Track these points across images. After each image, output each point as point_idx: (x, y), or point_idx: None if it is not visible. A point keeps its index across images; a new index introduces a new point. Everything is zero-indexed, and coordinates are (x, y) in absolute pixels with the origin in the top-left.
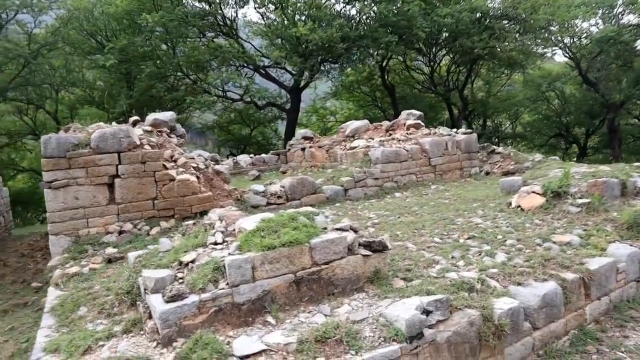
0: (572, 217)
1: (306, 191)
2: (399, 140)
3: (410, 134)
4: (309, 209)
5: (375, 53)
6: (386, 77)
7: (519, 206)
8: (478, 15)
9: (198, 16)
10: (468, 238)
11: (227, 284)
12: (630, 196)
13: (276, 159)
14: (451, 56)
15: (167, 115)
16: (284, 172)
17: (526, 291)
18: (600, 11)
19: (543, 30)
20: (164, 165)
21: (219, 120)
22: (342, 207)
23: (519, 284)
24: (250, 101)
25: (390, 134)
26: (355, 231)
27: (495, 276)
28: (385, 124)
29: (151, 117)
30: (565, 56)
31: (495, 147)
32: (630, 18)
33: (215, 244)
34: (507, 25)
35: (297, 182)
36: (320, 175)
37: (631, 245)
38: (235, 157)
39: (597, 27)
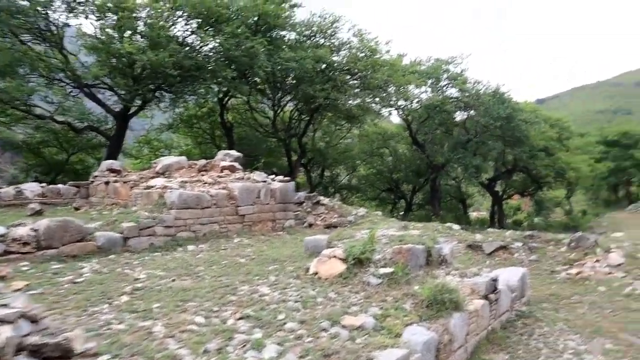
0: (371, 291)
1: (69, 237)
2: (206, 183)
3: (222, 176)
4: None
5: (216, 88)
6: (225, 115)
7: (317, 273)
8: (323, 66)
9: (8, 11)
10: (240, 318)
11: None
12: (435, 265)
13: (75, 192)
14: (295, 103)
15: None
16: (77, 209)
17: None
18: (430, 81)
19: (381, 90)
20: None
21: (27, 140)
22: (113, 260)
23: None
24: (64, 122)
25: (203, 175)
26: (34, 321)
27: None
28: (201, 162)
29: None
30: (399, 117)
31: (321, 197)
32: (452, 91)
33: None
34: (348, 80)
35: (58, 226)
36: (102, 218)
37: (428, 329)
38: (19, 185)
39: (427, 95)
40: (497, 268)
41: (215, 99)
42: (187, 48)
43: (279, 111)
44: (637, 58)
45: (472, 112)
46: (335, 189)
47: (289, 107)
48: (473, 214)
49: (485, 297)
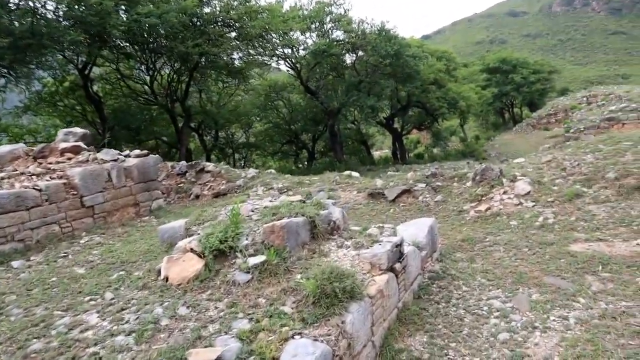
0: (238, 294)
1: None
2: (33, 175)
3: (61, 162)
4: None
5: (76, 58)
6: (90, 87)
7: (167, 278)
8: (194, 19)
9: None
10: None
11: None
12: (324, 237)
13: None
14: (170, 64)
15: None
16: None
17: None
18: (313, 25)
19: (262, 39)
20: None
21: None
22: None
23: None
24: None
25: (41, 163)
26: None
27: None
28: (37, 148)
29: None
30: (287, 66)
31: (205, 163)
32: (338, 34)
33: None
34: (225, 32)
35: None
36: None
37: (317, 340)
38: None
39: (312, 40)
40: (402, 217)
41: (75, 70)
42: (16, 9)
43: (155, 75)
44: None
45: (360, 52)
46: (233, 149)
47: (167, 70)
48: (376, 153)
49: (390, 269)
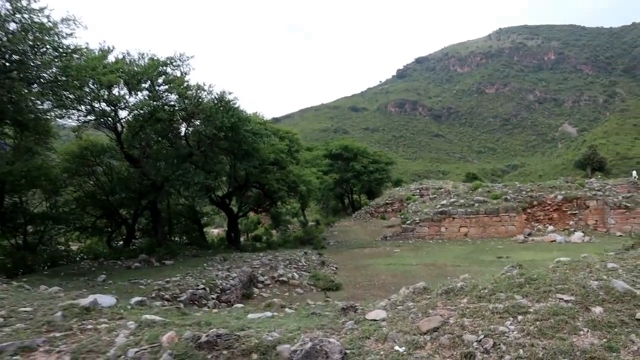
0: None
1: None
2: None
3: None
4: None
5: None
6: None
7: None
8: None
9: None
10: None
11: None
12: None
13: None
14: None
15: None
16: None
17: None
18: (144, 85)
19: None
20: None
21: None
22: None
23: None
24: None
25: None
26: None
27: None
28: None
29: None
30: (106, 126)
31: None
32: (172, 98)
33: None
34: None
35: None
36: None
37: None
38: None
39: (136, 99)
40: None
41: None
42: None
43: None
44: (351, 86)
45: (197, 122)
46: (26, 220)
47: None
48: (215, 232)
49: None
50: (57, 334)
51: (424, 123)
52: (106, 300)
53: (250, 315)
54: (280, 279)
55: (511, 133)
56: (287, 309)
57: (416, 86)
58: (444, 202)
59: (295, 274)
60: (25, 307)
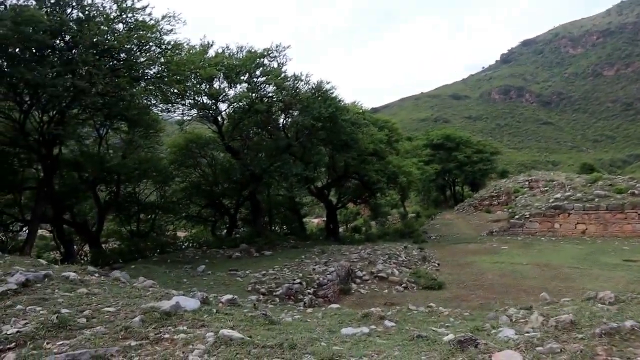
0: None
1: None
2: None
3: None
4: None
5: None
6: None
7: None
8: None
9: None
10: None
11: None
12: None
13: None
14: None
15: None
16: None
17: None
18: (243, 77)
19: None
20: None
21: None
22: None
23: None
24: None
25: None
26: None
27: None
28: None
29: None
30: (208, 120)
31: None
32: (270, 89)
33: None
34: (105, 62)
35: None
36: None
37: None
38: None
39: (235, 92)
40: None
41: None
42: None
43: (30, 109)
44: (450, 74)
45: (295, 112)
46: (139, 209)
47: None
48: (315, 221)
49: None
50: (133, 343)
51: (531, 110)
52: (189, 303)
53: (344, 331)
54: (379, 274)
55: (634, 119)
56: (387, 322)
57: (522, 71)
58: (558, 195)
59: (395, 269)
60: (110, 306)
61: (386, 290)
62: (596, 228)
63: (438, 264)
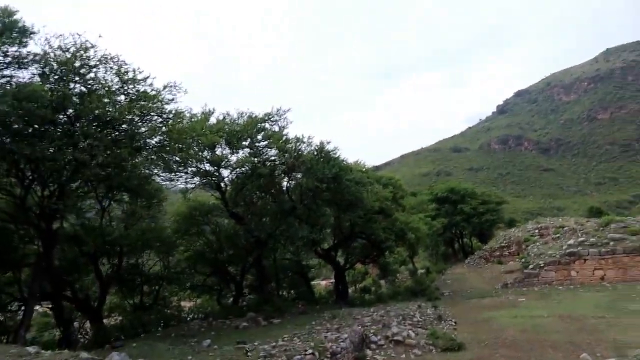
0: None
1: None
2: None
3: None
4: None
5: None
6: None
7: None
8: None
9: None
10: None
11: None
12: None
13: None
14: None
15: None
16: None
17: None
18: (244, 142)
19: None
20: None
21: None
22: None
23: None
24: None
25: None
26: None
27: None
28: None
29: None
30: (210, 187)
31: None
32: (272, 153)
33: None
34: (104, 133)
35: None
36: None
37: None
38: None
39: (237, 157)
40: None
41: None
42: None
43: (32, 185)
44: (450, 128)
45: (299, 175)
46: (142, 281)
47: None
48: (323, 283)
49: None
50: None
51: (530, 158)
52: None
53: None
54: (395, 338)
55: (635, 160)
56: None
57: (519, 120)
58: (571, 242)
59: (410, 331)
60: None
61: (403, 355)
62: (615, 273)
63: (455, 322)
